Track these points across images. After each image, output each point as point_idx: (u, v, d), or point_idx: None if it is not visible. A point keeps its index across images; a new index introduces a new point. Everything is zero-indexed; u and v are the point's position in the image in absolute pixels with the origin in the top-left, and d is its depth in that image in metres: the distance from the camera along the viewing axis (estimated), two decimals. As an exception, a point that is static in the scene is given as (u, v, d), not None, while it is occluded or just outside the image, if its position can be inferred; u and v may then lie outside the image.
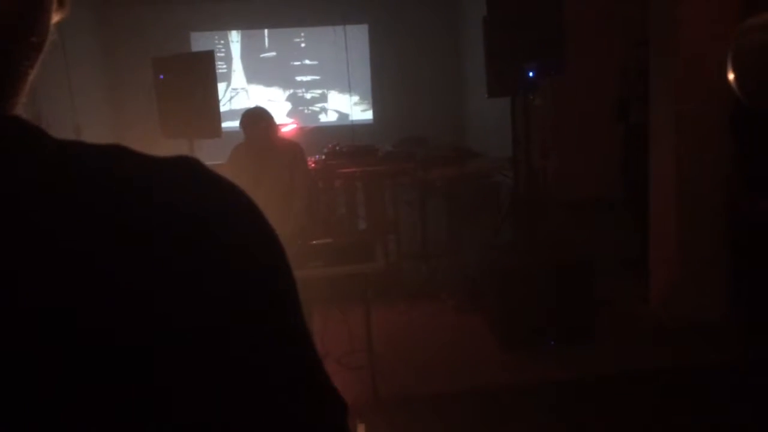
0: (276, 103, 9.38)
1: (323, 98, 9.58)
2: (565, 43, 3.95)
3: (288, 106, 9.53)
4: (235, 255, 0.41)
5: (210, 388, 0.38)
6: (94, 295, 0.36)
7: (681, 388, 3.37)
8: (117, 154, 0.42)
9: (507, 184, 5.80)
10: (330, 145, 5.50)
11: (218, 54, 9.31)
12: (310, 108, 9.57)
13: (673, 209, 4.11)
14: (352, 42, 9.19)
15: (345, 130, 8.88)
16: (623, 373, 3.53)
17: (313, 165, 5.21)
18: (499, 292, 3.97)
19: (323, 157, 5.36)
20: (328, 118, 9.56)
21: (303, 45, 9.42)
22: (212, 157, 4.47)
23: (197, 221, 0.40)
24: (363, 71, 9.47)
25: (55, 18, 0.45)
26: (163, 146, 4.69)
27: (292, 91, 9.53)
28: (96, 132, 7.15)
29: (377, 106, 9.52)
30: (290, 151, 4.03)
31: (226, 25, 9.12)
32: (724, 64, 3.93)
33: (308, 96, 9.55)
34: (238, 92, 9.45)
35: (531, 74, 3.81)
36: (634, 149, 4.78)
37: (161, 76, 4.12)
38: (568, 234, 5.08)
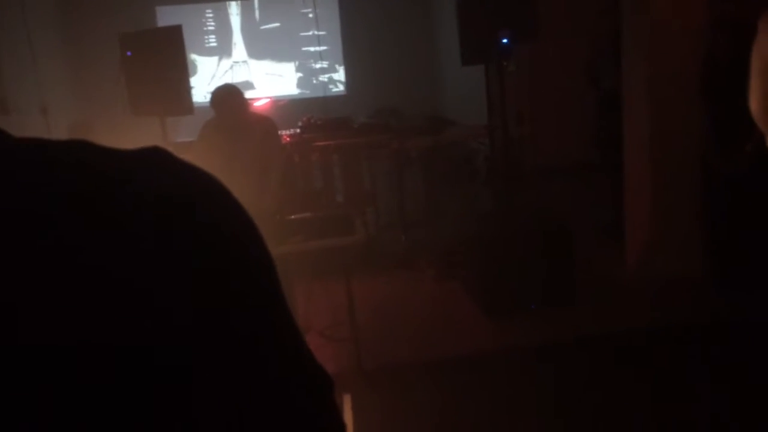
0: (274, 76, 9.25)
1: (332, 69, 9.45)
2: (538, 9, 3.93)
3: (293, 77, 9.39)
4: (220, 241, 0.40)
5: (205, 375, 0.37)
6: (78, 294, 0.35)
7: (661, 346, 3.45)
8: (83, 148, 0.41)
9: (483, 151, 5.81)
10: (305, 118, 5.45)
11: (208, 27, 9.13)
12: (319, 78, 9.44)
13: (648, 170, 4.16)
14: (322, 11, 9.08)
15: (318, 102, 8.79)
16: (605, 334, 3.59)
17: (288, 139, 5.16)
18: (480, 260, 3.99)
19: (298, 130, 5.31)
20: (338, 89, 9.44)
21: (311, 15, 9.22)
22: (189, 133, 4.42)
23: (177, 209, 0.40)
24: (334, 41, 9.37)
25: None
26: (133, 124, 4.61)
27: (297, 62, 9.38)
28: (63, 112, 6.99)
29: (350, 76, 9.43)
30: (262, 126, 4.00)
31: (191, -3, 8.92)
32: (697, 24, 3.96)
33: (317, 66, 9.40)
34: (239, 65, 9.28)
35: (505, 41, 3.79)
36: (607, 113, 4.80)
37: (129, 53, 4.02)
38: (546, 199, 5.12)
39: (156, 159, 0.42)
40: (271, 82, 9.23)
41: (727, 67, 3.77)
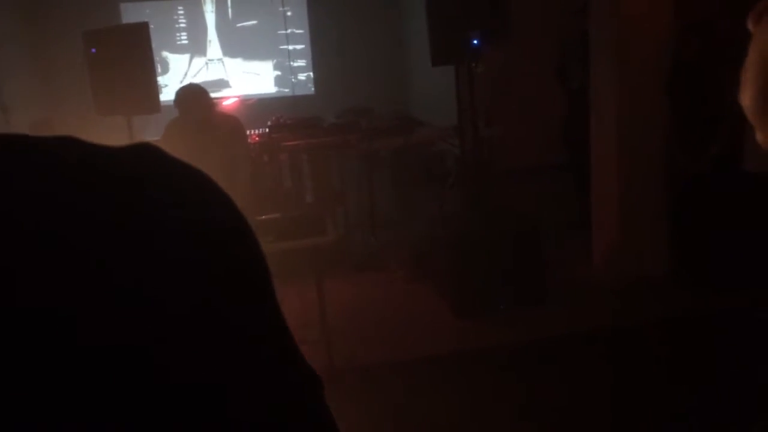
0: (250, 75, 9.16)
1: (309, 67, 9.39)
2: (508, 11, 3.95)
3: (269, 76, 9.29)
4: (215, 239, 0.40)
5: (203, 372, 0.37)
6: (78, 291, 0.34)
7: (630, 344, 3.49)
8: (70, 145, 0.40)
9: (452, 152, 5.82)
10: (274, 118, 5.40)
11: (180, 24, 8.99)
12: (298, 77, 9.36)
13: (615, 170, 4.21)
14: (290, 9, 9.03)
15: (287, 101, 8.73)
16: (574, 333, 3.62)
17: (257, 138, 5.11)
18: (450, 260, 4.00)
19: (267, 130, 5.26)
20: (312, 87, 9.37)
21: (289, 14, 9.15)
22: (156, 132, 4.34)
23: (171, 208, 0.39)
24: (303, 40, 9.33)
25: None
26: (98, 123, 4.50)
27: (274, 60, 9.29)
28: (25, 112, 6.81)
29: (318, 76, 9.38)
30: (228, 126, 3.97)
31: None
32: (664, 26, 4.02)
33: (294, 65, 9.33)
34: (214, 62, 9.16)
35: (475, 42, 3.80)
36: (574, 114, 4.85)
37: (93, 50, 3.93)
38: (515, 200, 5.15)
39: (147, 156, 0.41)
40: (246, 80, 9.14)
41: (694, 69, 3.84)
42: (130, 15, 8.42)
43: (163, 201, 0.39)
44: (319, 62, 9.33)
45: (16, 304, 0.33)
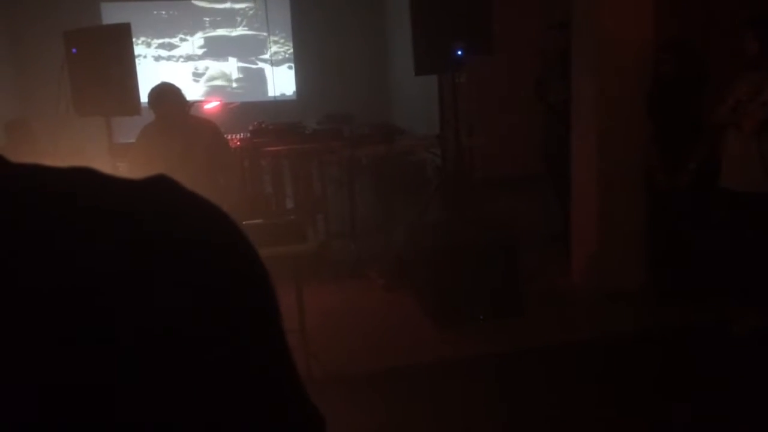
0: (231, 79, 9.15)
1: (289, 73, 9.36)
2: (492, 23, 3.97)
3: (253, 80, 9.25)
4: (225, 276, 0.40)
5: (197, 404, 0.36)
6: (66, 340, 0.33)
7: (607, 356, 3.51)
8: (84, 180, 0.39)
9: (432, 161, 5.84)
10: (255, 123, 5.37)
11: (160, 25, 8.95)
12: (279, 82, 9.37)
13: (594, 184, 4.24)
14: (274, 16, 9.01)
15: (267, 106, 8.70)
16: (552, 344, 3.64)
17: (238, 143, 5.08)
18: (429, 270, 4.00)
19: (248, 135, 5.23)
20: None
21: (272, 19, 9.20)
22: (134, 134, 4.29)
23: (187, 245, 0.39)
24: (286, 45, 9.33)
25: None
26: (77, 124, 4.41)
27: (257, 65, 9.26)
28: (1, 113, 6.70)
29: (300, 82, 9.37)
30: (207, 129, 3.91)
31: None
32: (643, 43, 4.07)
33: (277, 69, 9.36)
34: (197, 65, 9.16)
35: (459, 53, 3.81)
36: (554, 127, 4.88)
37: (74, 50, 3.88)
38: (495, 210, 5.17)
39: (161, 193, 0.41)
40: (228, 84, 9.14)
41: (672, 86, 3.89)
42: (110, 15, 8.34)
43: (177, 241, 0.38)
44: (301, 68, 9.32)
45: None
